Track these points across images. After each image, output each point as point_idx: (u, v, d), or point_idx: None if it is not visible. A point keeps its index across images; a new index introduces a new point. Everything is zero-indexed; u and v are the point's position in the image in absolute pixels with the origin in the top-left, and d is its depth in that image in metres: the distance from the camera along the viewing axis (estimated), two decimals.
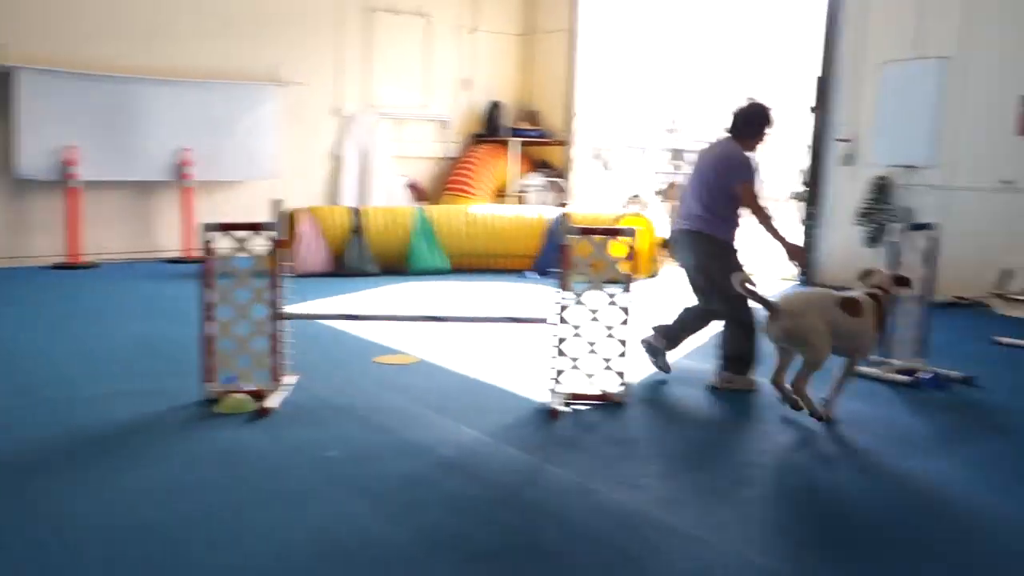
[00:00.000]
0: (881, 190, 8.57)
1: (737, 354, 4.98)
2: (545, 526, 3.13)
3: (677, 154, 11.33)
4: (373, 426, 4.25)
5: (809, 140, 9.43)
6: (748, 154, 5.05)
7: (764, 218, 4.93)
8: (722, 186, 4.98)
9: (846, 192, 8.98)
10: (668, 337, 5.27)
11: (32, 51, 9.72)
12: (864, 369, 5.05)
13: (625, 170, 17.27)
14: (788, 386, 4.28)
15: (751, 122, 5.09)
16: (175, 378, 5.01)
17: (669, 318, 5.31)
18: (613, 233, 4.78)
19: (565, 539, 3.02)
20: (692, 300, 5.25)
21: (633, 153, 17.52)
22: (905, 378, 5.02)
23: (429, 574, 2.78)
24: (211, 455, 3.84)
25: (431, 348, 5.90)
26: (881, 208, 8.56)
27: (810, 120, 9.36)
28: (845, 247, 8.97)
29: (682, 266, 5.34)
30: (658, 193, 14.43)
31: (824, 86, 9.21)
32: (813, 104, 9.29)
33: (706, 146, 5.37)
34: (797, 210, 9.79)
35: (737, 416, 4.48)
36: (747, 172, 4.99)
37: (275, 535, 3.04)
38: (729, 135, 5.14)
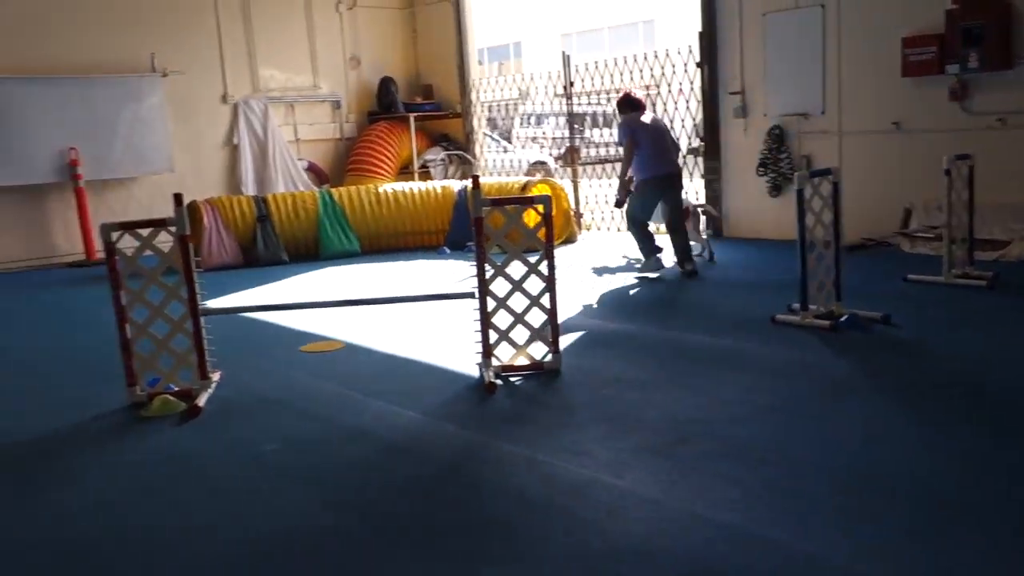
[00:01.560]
0: (777, 140, 8.82)
1: (686, 247, 7.44)
2: (497, 499, 3.15)
3: (577, 118, 11.39)
4: (309, 415, 4.19)
5: (700, 95, 9.62)
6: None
7: None
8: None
9: (743, 144, 9.22)
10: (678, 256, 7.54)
11: None
12: (785, 317, 5.40)
13: (524, 138, 17.32)
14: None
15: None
16: (95, 385, 4.84)
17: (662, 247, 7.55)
18: (527, 202, 4.80)
19: (519, 510, 3.04)
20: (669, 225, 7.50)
21: (531, 120, 17.56)
22: (824, 323, 5.21)
23: (387, 557, 2.77)
24: (143, 460, 3.72)
25: (356, 332, 5.83)
26: (779, 158, 8.83)
27: (699, 75, 9.54)
28: (750, 198, 9.23)
29: (673, 197, 7.46)
30: (558, 159, 14.53)
31: (708, 41, 9.39)
32: (699, 59, 9.47)
33: (645, 119, 7.51)
34: (697, 165, 9.99)
35: (667, 374, 4.59)
36: None
37: (221, 534, 2.98)
38: (640, 110, 7.54)
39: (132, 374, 4.43)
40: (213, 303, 5.94)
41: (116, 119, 10.49)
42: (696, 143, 10.26)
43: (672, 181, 7.47)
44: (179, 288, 4.46)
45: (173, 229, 4.41)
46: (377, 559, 2.76)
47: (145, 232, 4.43)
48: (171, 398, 4.37)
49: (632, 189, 7.45)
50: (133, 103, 10.63)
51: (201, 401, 4.36)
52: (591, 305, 6.38)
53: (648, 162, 7.33)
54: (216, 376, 4.72)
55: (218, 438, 3.95)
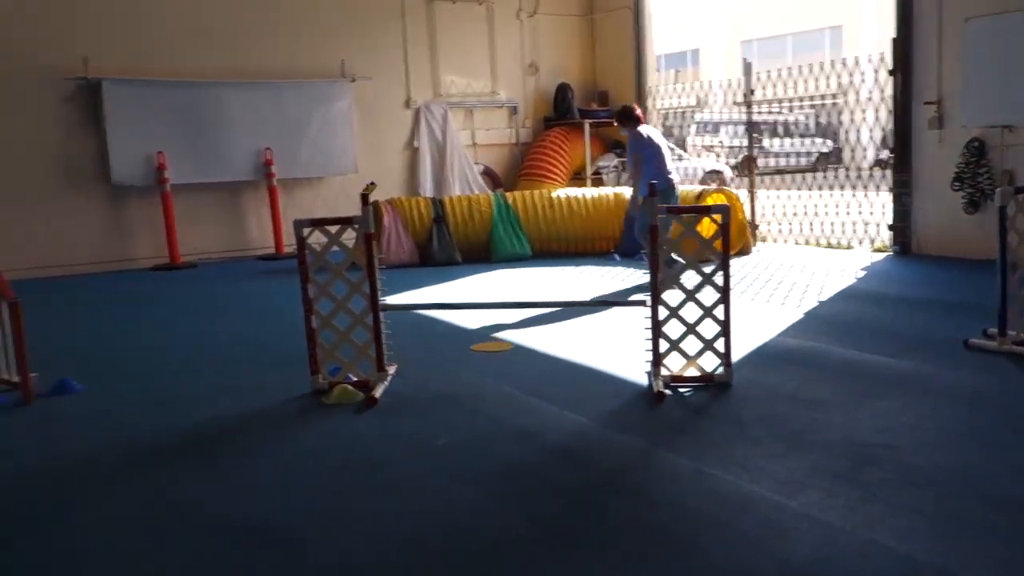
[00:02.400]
0: (976, 153, 8.24)
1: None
2: (662, 510, 3.10)
3: (754, 127, 11.07)
4: (477, 413, 4.28)
5: (892, 105, 9.12)
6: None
7: None
8: None
9: (938, 157, 8.67)
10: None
11: (114, 62, 10.02)
12: (980, 342, 5.06)
13: (699, 146, 17.01)
14: None
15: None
16: (280, 371, 5.15)
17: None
18: (704, 211, 4.71)
19: (683, 522, 2.98)
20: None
21: (707, 128, 17.23)
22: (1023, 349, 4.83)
23: (542, 561, 2.77)
24: (323, 445, 3.92)
25: (525, 334, 5.91)
26: (978, 172, 8.24)
27: (891, 84, 9.05)
28: (942, 214, 8.67)
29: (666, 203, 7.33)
30: (735, 168, 14.17)
31: (903, 47, 8.88)
32: (892, 67, 8.98)
33: (647, 131, 8.13)
34: (885, 178, 9.49)
35: (846, 394, 4.37)
36: None
37: (388, 523, 3.08)
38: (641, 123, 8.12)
39: (315, 363, 4.67)
40: (391, 299, 6.17)
41: (307, 122, 11.11)
42: (884, 155, 9.74)
43: (671, 188, 7.98)
44: (361, 283, 4.66)
45: (358, 227, 4.62)
46: (538, 561, 2.78)
47: (333, 229, 4.66)
48: (350, 388, 4.58)
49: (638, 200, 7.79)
50: (323, 107, 11.22)
51: (377, 392, 4.54)
52: (766, 319, 6.18)
53: (656, 173, 7.70)
54: (392, 369, 4.90)
55: (391, 429, 4.10)
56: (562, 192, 10.26)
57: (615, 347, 5.46)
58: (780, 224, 10.43)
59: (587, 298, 6.94)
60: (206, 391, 4.90)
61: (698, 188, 9.92)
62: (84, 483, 3.60)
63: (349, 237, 4.63)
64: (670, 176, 8.00)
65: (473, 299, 7.16)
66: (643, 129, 8.09)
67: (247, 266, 10.27)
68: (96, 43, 9.95)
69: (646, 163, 7.80)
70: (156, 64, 10.29)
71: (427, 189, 12.07)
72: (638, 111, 8.25)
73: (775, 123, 16.78)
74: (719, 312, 4.46)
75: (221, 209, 10.96)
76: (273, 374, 5.16)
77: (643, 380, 4.68)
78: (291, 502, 3.31)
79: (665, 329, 4.52)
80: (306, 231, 4.61)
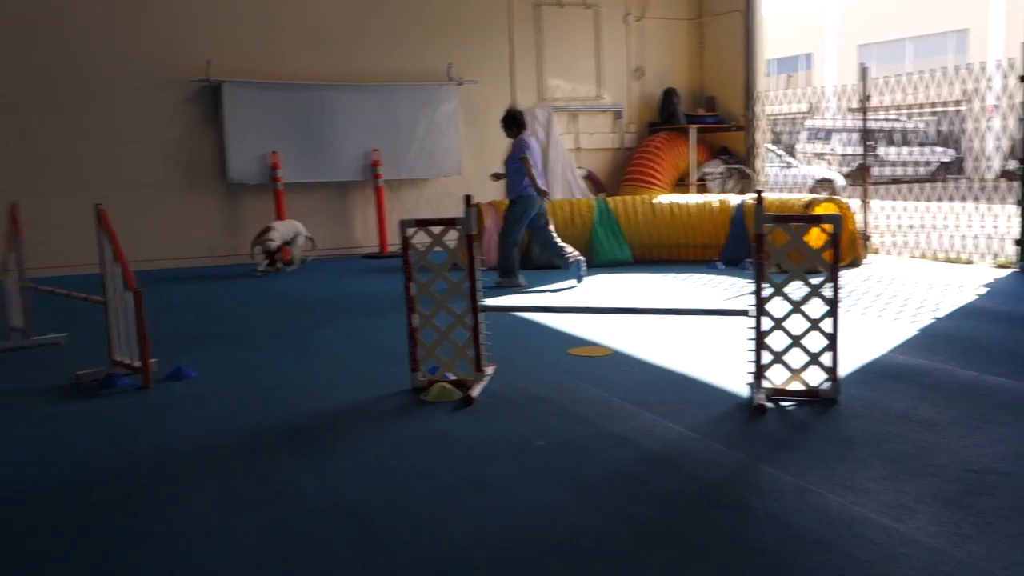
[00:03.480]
0: None
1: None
2: (762, 524, 3.02)
3: (869, 135, 10.70)
4: (574, 417, 4.26)
5: (1021, 112, 8.67)
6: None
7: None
8: None
9: None
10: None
11: (235, 65, 10.41)
12: None
13: (810, 153, 16.55)
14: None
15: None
16: (382, 367, 5.25)
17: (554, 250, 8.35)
18: (814, 220, 4.57)
19: (786, 541, 2.89)
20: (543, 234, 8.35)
21: (818, 135, 16.74)
22: None
23: (640, 570, 2.73)
24: (422, 442, 3.97)
25: (624, 340, 5.86)
26: None
27: (1022, 90, 8.60)
28: None
29: (544, 212, 8.28)
30: (847, 176, 13.74)
31: None
32: (1022, 73, 8.53)
33: (533, 140, 8.50)
34: (1012, 190, 9.02)
35: (962, 417, 4.17)
36: None
37: (484, 521, 3.10)
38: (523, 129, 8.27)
39: (416, 360, 4.74)
40: (490, 300, 6.22)
41: (414, 124, 11.31)
42: (1012, 165, 9.27)
43: (543, 197, 8.27)
44: (462, 284, 4.70)
45: (461, 228, 4.67)
46: (635, 568, 2.74)
47: (436, 230, 4.72)
48: (448, 386, 4.63)
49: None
50: (430, 109, 11.40)
51: (475, 392, 4.58)
52: (877, 334, 5.96)
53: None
54: (490, 370, 4.93)
55: (488, 429, 4.12)
56: (665, 198, 10.14)
57: (716, 357, 5.35)
58: (895, 236, 10.04)
59: (688, 306, 6.83)
60: (312, 382, 5.04)
61: (807, 197, 9.65)
62: (193, 465, 3.75)
63: (451, 238, 4.69)
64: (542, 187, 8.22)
65: (572, 303, 7.14)
66: (526, 137, 8.25)
67: (352, 263, 10.52)
68: (219, 47, 10.38)
69: (527, 171, 8.00)
70: (273, 67, 10.65)
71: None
72: (525, 118, 8.40)
73: (892, 130, 16.15)
74: (826, 325, 4.32)
75: (329, 208, 11.26)
76: (375, 369, 5.27)
77: (744, 392, 4.58)
78: (390, 495, 3.36)
79: (768, 341, 4.41)
80: (410, 231, 4.68)
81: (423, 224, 4.75)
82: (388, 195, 11.22)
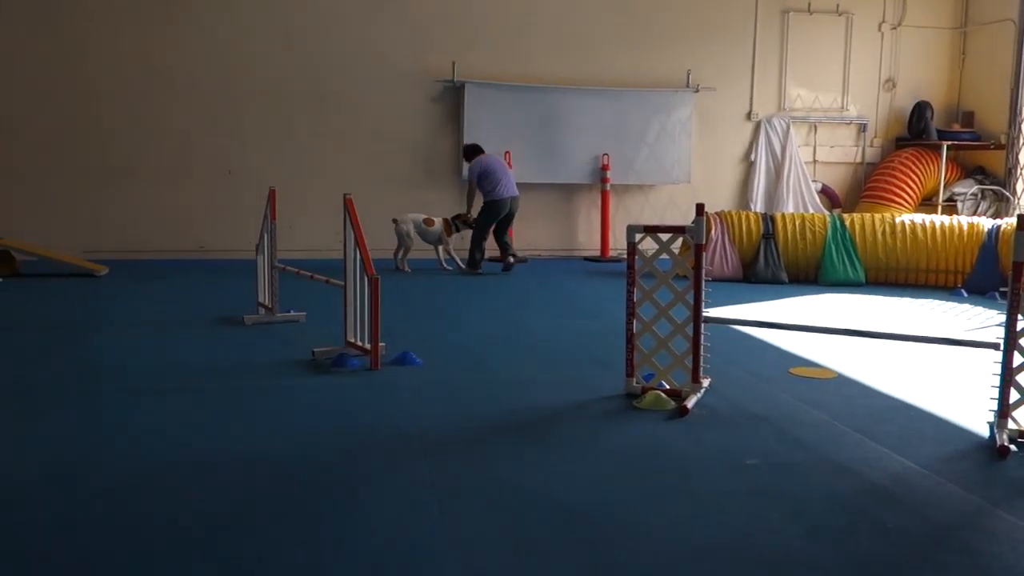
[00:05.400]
0: None
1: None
2: None
3: None
4: (792, 440, 4.12)
5: None
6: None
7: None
8: None
9: None
10: (508, 257, 9.98)
11: (476, 67, 10.88)
12: None
13: None
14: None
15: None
16: (597, 369, 5.32)
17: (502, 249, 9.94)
18: None
19: None
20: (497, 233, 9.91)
21: None
22: None
23: None
24: (632, 448, 3.98)
25: (851, 364, 5.58)
26: None
27: None
28: None
29: (510, 213, 9.80)
30: None
31: None
32: None
33: (491, 157, 9.85)
34: None
35: None
36: None
37: (692, 534, 3.06)
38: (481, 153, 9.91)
39: (631, 366, 4.76)
40: (712, 312, 6.11)
41: (646, 130, 11.31)
42: None
43: (514, 201, 9.78)
44: (686, 293, 4.66)
45: (691, 236, 4.63)
46: None
47: (664, 237, 4.71)
48: (663, 395, 4.61)
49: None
50: (663, 115, 11.36)
51: (690, 403, 4.53)
52: None
53: (495, 187, 9.62)
54: (706, 382, 4.86)
55: (700, 442, 4.07)
56: (907, 217, 9.52)
57: (953, 390, 4.98)
58: None
59: (926, 334, 6.39)
60: (527, 378, 5.18)
61: None
62: (412, 448, 3.96)
63: (676, 246, 4.66)
64: (514, 190, 9.75)
65: (796, 321, 6.87)
66: (481, 159, 9.72)
67: (573, 265, 10.68)
68: (464, 49, 10.89)
69: (488, 181, 9.59)
70: (512, 69, 11.03)
71: (758, 204, 11.78)
72: (475, 145, 10.03)
73: None
74: None
75: (555, 209, 11.50)
76: (589, 371, 5.34)
77: (984, 430, 4.23)
78: (599, 497, 3.40)
79: (1019, 378, 4.05)
80: (638, 236, 4.70)
81: (651, 230, 4.75)
82: (613, 200, 11.29)
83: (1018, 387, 4.06)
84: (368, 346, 5.42)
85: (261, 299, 6.91)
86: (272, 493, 3.39)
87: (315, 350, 5.61)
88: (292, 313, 6.83)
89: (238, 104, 10.66)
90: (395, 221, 9.94)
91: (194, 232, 10.76)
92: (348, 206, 5.61)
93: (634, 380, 4.78)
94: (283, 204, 7.03)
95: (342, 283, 5.71)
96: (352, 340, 5.63)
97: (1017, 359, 4.04)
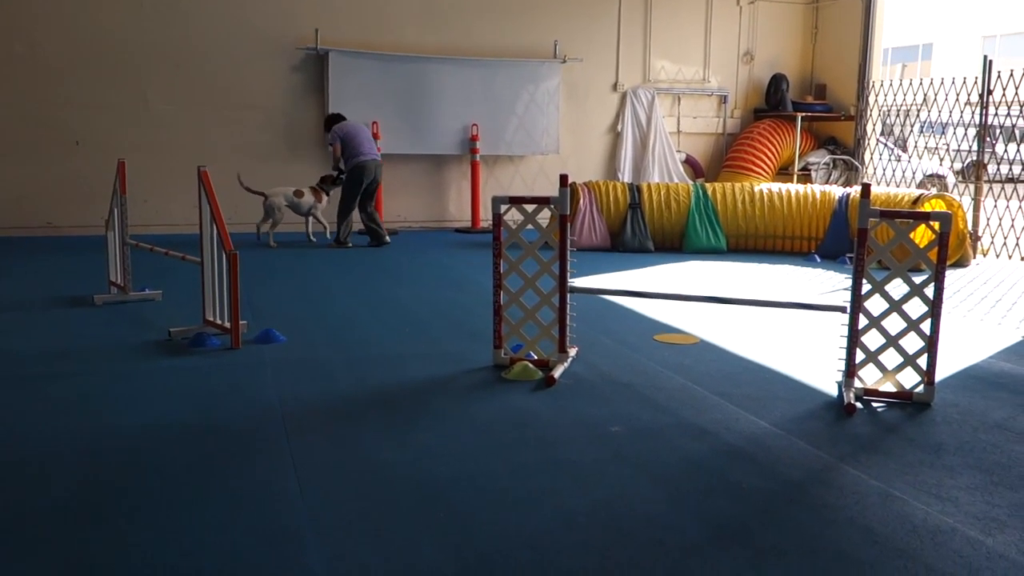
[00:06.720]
0: None
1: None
2: (841, 528, 2.94)
3: (989, 131, 10.18)
4: (655, 405, 4.22)
5: None
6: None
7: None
8: None
9: None
10: (373, 234, 9.71)
11: (342, 35, 10.59)
12: None
13: (922, 148, 15.87)
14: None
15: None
16: (465, 342, 5.30)
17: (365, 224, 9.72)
18: (921, 217, 4.38)
19: (865, 547, 2.81)
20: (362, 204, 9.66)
21: (932, 129, 16.02)
22: None
23: (713, 565, 2.69)
24: (500, 420, 3.99)
25: (712, 329, 5.77)
26: None
27: None
28: None
29: (373, 181, 9.61)
30: (958, 173, 13.14)
31: None
32: None
33: (352, 123, 9.72)
34: None
35: None
36: None
37: (558, 503, 3.09)
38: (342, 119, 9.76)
39: (500, 337, 4.76)
40: (579, 282, 6.19)
41: (515, 100, 11.30)
42: None
43: (377, 166, 9.62)
44: (552, 264, 4.69)
45: (555, 207, 4.65)
46: (707, 565, 2.70)
47: (530, 208, 4.71)
48: (531, 365, 4.63)
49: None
50: (531, 86, 11.37)
51: (557, 373, 4.57)
52: (979, 338, 5.70)
53: (358, 151, 9.49)
54: (573, 351, 4.92)
55: (567, 410, 4.12)
56: (765, 186, 9.89)
57: (806, 352, 5.22)
58: (1007, 237, 9.57)
59: (782, 298, 6.67)
60: (396, 353, 5.12)
61: (915, 192, 9.26)
62: (273, 429, 3.85)
63: (543, 217, 4.67)
64: (376, 156, 9.67)
65: (662, 289, 7.05)
66: (338, 126, 9.57)
67: (444, 237, 10.62)
68: (328, 16, 10.57)
69: (347, 146, 9.46)
70: (378, 38, 10.79)
71: (625, 174, 11.99)
72: (336, 114, 9.90)
73: (1014, 127, 15.33)
74: (926, 326, 4.15)
75: (425, 180, 11.38)
76: (458, 343, 5.32)
77: (833, 390, 4.46)
78: (468, 469, 3.39)
79: (863, 339, 4.27)
80: (503, 207, 4.68)
81: (516, 201, 4.75)
82: (483, 171, 11.26)
83: (863, 348, 4.28)
84: (228, 324, 5.23)
85: (113, 278, 6.56)
86: (123, 484, 3.23)
87: (172, 330, 5.38)
88: (147, 292, 6.52)
89: (86, 70, 10.03)
90: (264, 195, 9.57)
91: (41, 208, 10.10)
92: (203, 179, 5.37)
93: (502, 352, 4.79)
94: (137, 177, 6.67)
95: (199, 259, 5.48)
96: (211, 319, 5.42)
97: (862, 321, 4.26)
